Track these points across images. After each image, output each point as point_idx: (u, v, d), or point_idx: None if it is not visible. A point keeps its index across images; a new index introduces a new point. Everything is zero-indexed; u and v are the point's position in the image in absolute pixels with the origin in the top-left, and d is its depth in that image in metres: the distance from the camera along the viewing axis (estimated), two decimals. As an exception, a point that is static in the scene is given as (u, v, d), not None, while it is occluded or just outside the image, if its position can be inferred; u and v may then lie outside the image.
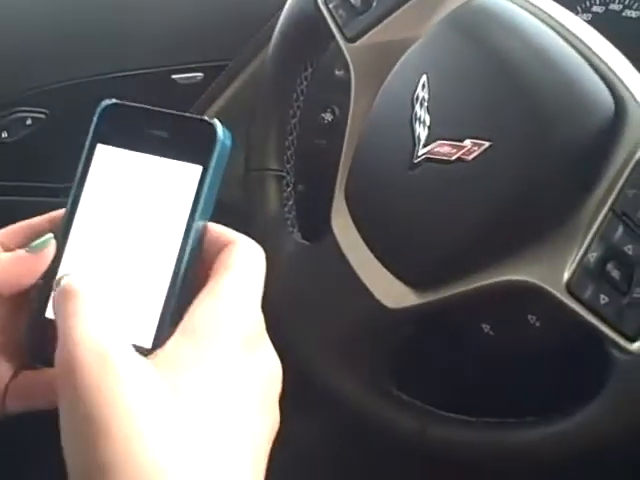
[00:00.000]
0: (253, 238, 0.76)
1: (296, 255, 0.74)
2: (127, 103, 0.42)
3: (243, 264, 0.37)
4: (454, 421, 0.62)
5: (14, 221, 0.43)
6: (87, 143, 0.41)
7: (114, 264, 0.40)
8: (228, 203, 0.90)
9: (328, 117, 0.87)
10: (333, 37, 0.72)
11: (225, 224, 0.93)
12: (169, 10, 0.94)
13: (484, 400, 0.64)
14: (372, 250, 0.66)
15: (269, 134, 0.77)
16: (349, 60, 0.70)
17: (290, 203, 0.77)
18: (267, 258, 0.74)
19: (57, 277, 0.39)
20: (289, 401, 0.85)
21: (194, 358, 0.34)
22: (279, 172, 0.77)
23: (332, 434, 0.87)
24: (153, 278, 0.39)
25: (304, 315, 0.71)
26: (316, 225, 0.73)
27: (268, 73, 0.77)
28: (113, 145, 0.41)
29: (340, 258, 0.69)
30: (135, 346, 0.36)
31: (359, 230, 0.67)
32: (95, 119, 0.41)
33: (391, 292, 0.65)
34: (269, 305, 0.73)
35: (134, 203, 0.40)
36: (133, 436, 0.32)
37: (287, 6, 0.76)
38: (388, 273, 0.65)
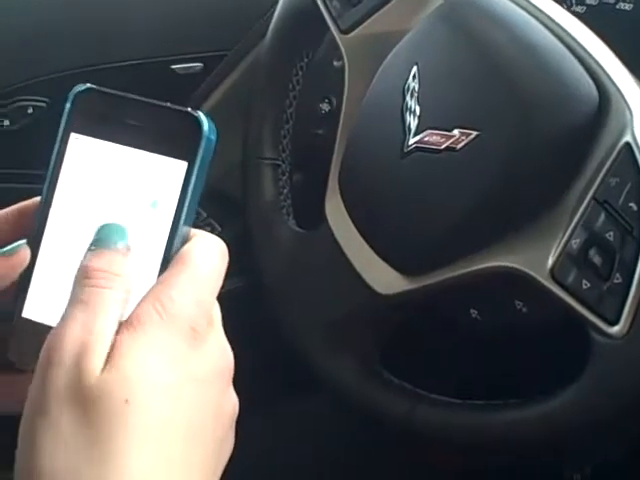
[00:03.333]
0: (249, 226, 0.78)
1: (291, 242, 0.75)
2: (103, 89, 0.38)
3: (196, 258, 0.37)
4: (442, 403, 0.64)
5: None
6: (60, 132, 0.38)
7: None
8: (224, 191, 0.92)
9: (326, 107, 0.88)
10: (328, 28, 0.73)
11: (221, 212, 0.94)
12: (169, 0, 0.95)
13: (471, 383, 0.66)
14: (364, 237, 0.68)
15: (265, 123, 0.79)
16: (343, 51, 0.72)
17: (285, 191, 0.79)
18: (263, 245, 0.76)
19: (44, 246, 0.37)
20: (284, 384, 0.87)
21: (135, 350, 0.35)
22: (275, 161, 0.79)
23: (325, 415, 0.89)
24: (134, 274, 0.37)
25: (298, 301, 0.73)
26: (311, 213, 0.75)
27: (264, 63, 0.79)
28: (88, 135, 0.38)
29: (334, 245, 0.70)
30: None
31: (352, 218, 0.69)
32: (68, 105, 0.38)
33: (382, 278, 0.66)
34: (264, 291, 0.75)
35: (113, 199, 0.38)
36: (79, 428, 0.33)
37: (283, -3, 0.78)
38: (380, 260, 0.67)
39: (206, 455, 0.36)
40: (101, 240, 0.37)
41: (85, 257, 0.37)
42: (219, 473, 0.37)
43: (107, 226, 0.38)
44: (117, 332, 0.35)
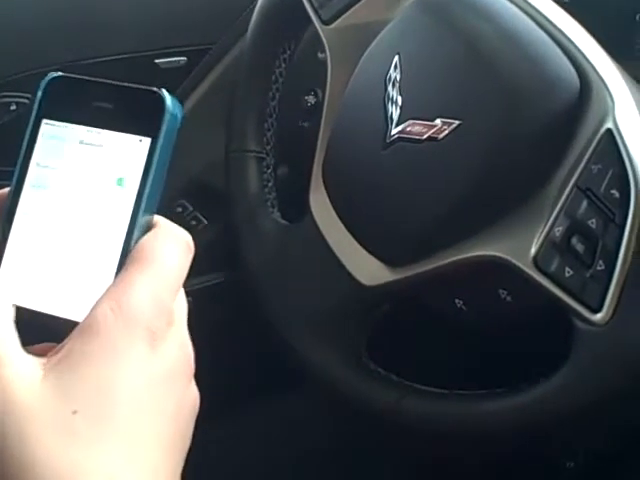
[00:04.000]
0: (234, 219, 0.78)
1: (276, 235, 0.75)
2: (71, 75, 0.40)
3: (157, 254, 0.37)
4: (428, 394, 0.64)
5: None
6: (31, 119, 0.39)
7: (61, 243, 0.38)
8: (210, 185, 0.92)
9: (311, 100, 0.88)
10: (309, 20, 0.73)
11: (207, 205, 0.94)
12: (152, -6, 0.95)
13: (457, 373, 0.66)
14: (348, 228, 0.68)
15: (248, 116, 0.78)
16: (325, 42, 0.72)
17: (270, 184, 0.79)
18: (247, 238, 0.76)
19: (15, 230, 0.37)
20: (268, 375, 0.87)
21: (89, 355, 0.34)
22: (259, 154, 0.79)
23: (313, 406, 0.89)
24: (100, 256, 0.38)
25: (283, 293, 0.72)
26: (296, 205, 0.75)
27: (247, 55, 0.79)
28: (59, 120, 0.39)
29: (318, 237, 0.70)
30: (70, 321, 0.36)
31: (335, 209, 0.69)
32: (39, 93, 0.39)
33: (366, 269, 0.66)
34: (249, 284, 0.75)
35: (82, 179, 0.39)
36: (26, 439, 0.32)
37: (265, -11, 0.77)
38: (364, 250, 0.66)
39: (170, 447, 0.35)
40: None
41: None
42: (181, 466, 0.37)
43: None
44: (70, 337, 0.35)
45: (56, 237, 0.39)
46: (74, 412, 0.33)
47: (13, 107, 0.88)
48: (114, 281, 0.36)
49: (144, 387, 0.35)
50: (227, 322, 0.88)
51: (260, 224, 0.76)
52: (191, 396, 0.38)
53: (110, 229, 0.38)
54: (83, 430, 0.33)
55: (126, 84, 0.39)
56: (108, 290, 0.36)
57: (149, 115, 0.38)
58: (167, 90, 0.39)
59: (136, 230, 0.38)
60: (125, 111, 0.39)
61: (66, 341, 0.35)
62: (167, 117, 0.38)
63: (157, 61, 0.92)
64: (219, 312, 0.89)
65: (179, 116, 0.39)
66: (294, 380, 0.75)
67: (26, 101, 0.88)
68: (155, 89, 0.39)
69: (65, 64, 0.89)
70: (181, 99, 0.93)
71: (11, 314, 0.36)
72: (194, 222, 0.93)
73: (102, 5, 0.93)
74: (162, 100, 0.38)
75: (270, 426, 0.95)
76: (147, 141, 0.38)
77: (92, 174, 0.39)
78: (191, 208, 0.94)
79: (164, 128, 0.38)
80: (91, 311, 0.35)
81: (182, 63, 0.93)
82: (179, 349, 0.37)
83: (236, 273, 0.81)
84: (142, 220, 0.38)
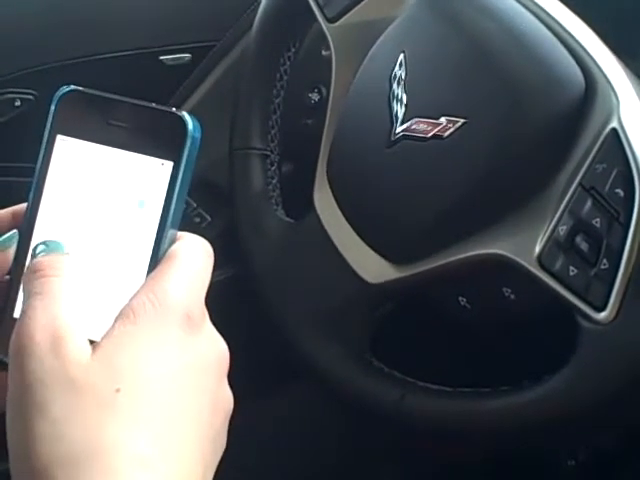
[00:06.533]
0: (237, 216, 0.78)
1: (280, 232, 0.75)
2: (87, 90, 0.38)
3: (185, 256, 0.38)
4: (432, 391, 0.64)
5: (2, 202, 0.42)
6: (45, 134, 0.38)
7: (79, 260, 0.38)
8: (213, 182, 0.92)
9: (315, 97, 0.88)
10: (314, 17, 0.73)
11: (211, 203, 0.94)
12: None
13: (461, 370, 0.66)
14: (353, 226, 0.68)
15: (252, 113, 0.78)
16: (330, 40, 0.72)
17: (274, 181, 0.79)
18: (251, 235, 0.76)
19: (33, 245, 0.38)
20: (274, 372, 0.87)
21: (130, 341, 0.35)
22: (263, 151, 0.79)
23: (316, 404, 0.89)
24: (120, 275, 0.38)
25: (287, 290, 0.73)
26: (300, 203, 0.75)
27: (251, 53, 0.79)
28: (74, 137, 0.38)
29: (323, 234, 0.70)
30: (90, 341, 0.36)
31: (340, 207, 0.69)
32: (53, 107, 0.38)
33: (371, 267, 0.66)
34: (253, 281, 0.75)
35: (100, 199, 0.38)
36: (71, 416, 0.33)
37: (270, -14, 0.77)
38: (368, 248, 0.67)
39: (204, 440, 0.36)
40: (42, 250, 0.38)
41: (29, 262, 0.38)
42: (215, 464, 0.37)
43: (44, 242, 0.38)
44: (113, 324, 0.36)
45: (73, 254, 0.38)
46: (117, 390, 0.34)
47: (18, 103, 0.88)
48: (148, 277, 0.37)
49: (181, 372, 0.36)
50: (230, 319, 0.88)
51: (264, 222, 0.76)
52: (226, 395, 0.39)
53: (132, 249, 0.38)
54: (124, 409, 0.34)
55: (144, 103, 0.38)
56: (144, 284, 0.37)
57: (170, 138, 0.37)
58: (187, 111, 0.38)
59: (161, 254, 0.38)
60: (144, 132, 0.38)
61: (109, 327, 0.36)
62: (189, 141, 0.37)
63: (162, 58, 0.92)
64: (221, 308, 0.89)
65: (199, 137, 0.38)
66: (296, 377, 0.75)
67: (31, 97, 0.88)
68: (175, 111, 0.38)
69: (70, 61, 0.89)
70: (185, 96, 0.93)
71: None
72: (198, 219, 0.93)
73: (106, 1, 0.93)
74: (184, 124, 0.37)
75: (271, 422, 0.95)
76: (169, 164, 0.38)
77: (112, 194, 0.38)
78: (195, 205, 0.94)
79: (186, 152, 0.37)
80: (129, 301, 0.36)
81: (186, 60, 0.93)
82: (215, 341, 0.38)
83: (240, 270, 0.81)
84: (165, 244, 0.38)
